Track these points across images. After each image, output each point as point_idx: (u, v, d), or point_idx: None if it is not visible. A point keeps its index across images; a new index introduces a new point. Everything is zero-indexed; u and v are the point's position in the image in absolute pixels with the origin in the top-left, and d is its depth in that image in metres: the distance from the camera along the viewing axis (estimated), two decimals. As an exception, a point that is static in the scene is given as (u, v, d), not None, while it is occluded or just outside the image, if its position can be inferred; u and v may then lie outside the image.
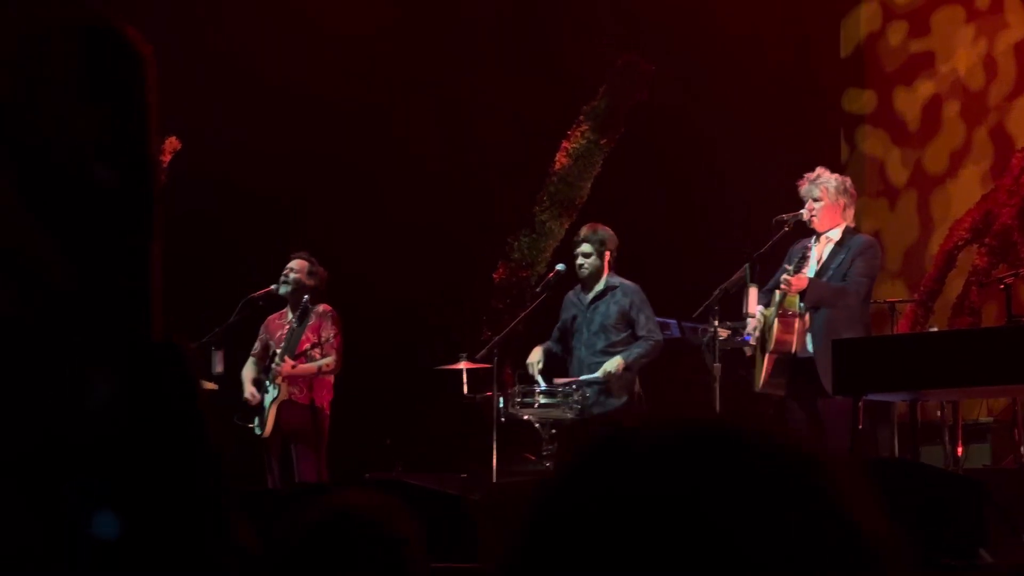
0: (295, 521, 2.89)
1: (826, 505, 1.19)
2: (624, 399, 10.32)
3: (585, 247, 10.52)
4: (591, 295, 10.54)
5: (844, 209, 9.49)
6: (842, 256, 9.35)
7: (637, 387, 10.41)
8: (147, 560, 1.46)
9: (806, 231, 9.63)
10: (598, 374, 10.28)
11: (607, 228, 10.60)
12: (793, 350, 9.21)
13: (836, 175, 9.62)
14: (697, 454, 1.21)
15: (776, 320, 9.23)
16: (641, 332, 10.42)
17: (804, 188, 9.52)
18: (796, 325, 9.21)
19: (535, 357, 10.52)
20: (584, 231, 10.67)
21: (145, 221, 1.50)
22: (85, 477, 1.45)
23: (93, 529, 1.43)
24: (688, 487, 1.18)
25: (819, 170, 9.61)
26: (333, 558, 2.83)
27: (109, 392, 1.46)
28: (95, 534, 1.43)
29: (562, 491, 1.23)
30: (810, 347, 9.22)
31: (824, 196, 9.43)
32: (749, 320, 9.46)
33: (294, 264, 11.05)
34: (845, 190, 9.51)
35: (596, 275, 10.53)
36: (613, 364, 10.28)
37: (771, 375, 9.29)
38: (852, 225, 9.59)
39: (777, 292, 9.35)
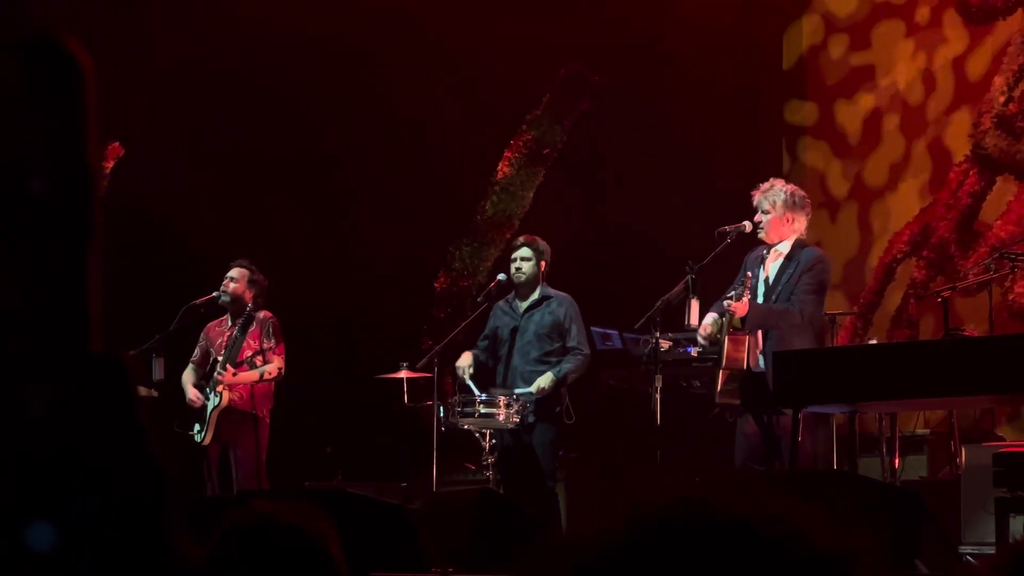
0: (215, 531, 2.92)
1: None
2: (557, 410, 10.39)
3: (524, 251, 10.59)
4: (526, 304, 10.61)
5: (792, 222, 9.47)
6: (791, 271, 9.35)
7: (566, 400, 10.48)
8: (88, 571, 1.46)
9: (750, 242, 9.66)
10: (531, 389, 10.32)
11: (544, 241, 10.69)
12: (744, 366, 9.23)
13: (788, 187, 9.59)
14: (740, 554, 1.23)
15: (727, 338, 9.25)
16: (571, 343, 10.51)
17: (756, 199, 9.53)
18: (747, 342, 9.24)
19: (466, 361, 10.56)
20: (523, 239, 10.73)
21: (83, 231, 1.50)
22: (25, 488, 1.44)
23: (31, 540, 1.43)
24: None
25: (771, 181, 9.61)
26: (253, 562, 2.86)
27: (48, 404, 1.46)
28: (33, 545, 1.43)
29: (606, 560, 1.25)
30: (762, 363, 9.25)
31: (772, 209, 9.44)
32: (704, 326, 9.47)
33: (234, 272, 11.02)
34: (794, 203, 9.46)
35: (532, 283, 10.61)
36: (546, 380, 10.34)
37: (724, 385, 9.31)
38: (803, 236, 9.57)
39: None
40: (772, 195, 9.47)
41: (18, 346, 1.47)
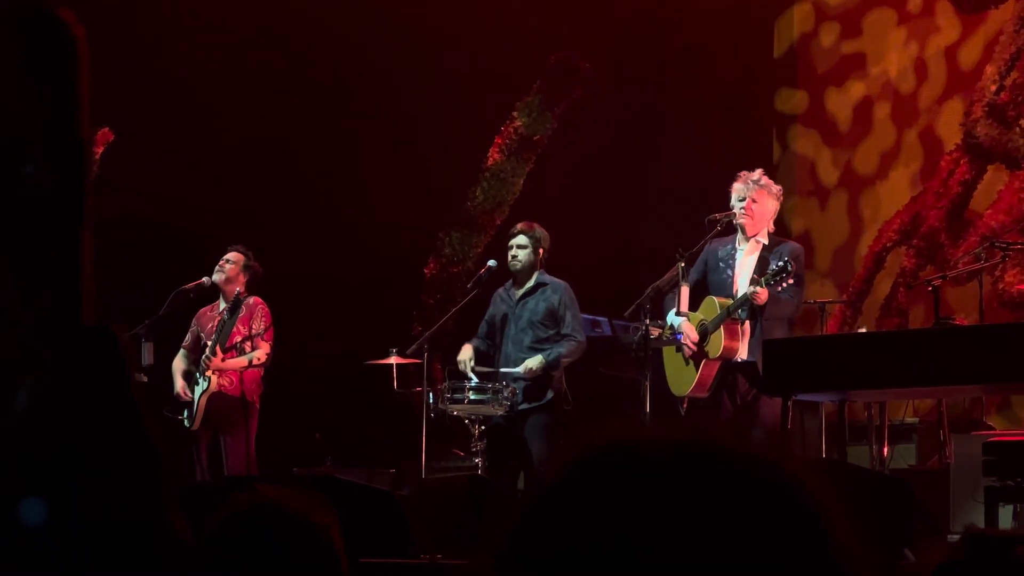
0: (217, 514, 2.91)
1: (814, 534, 1.22)
2: (550, 396, 10.33)
3: (521, 239, 10.52)
4: (521, 291, 10.54)
5: (774, 215, 9.59)
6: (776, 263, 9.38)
7: (563, 385, 10.42)
8: (84, 551, 1.45)
9: (732, 231, 9.66)
10: (519, 369, 10.27)
11: (543, 228, 10.62)
12: (739, 356, 9.27)
13: (771, 181, 9.71)
14: (689, 476, 1.22)
15: (722, 328, 9.26)
16: (566, 330, 10.42)
17: (740, 186, 9.53)
18: (739, 331, 9.27)
19: (467, 355, 10.49)
20: (521, 226, 10.66)
21: (77, 208, 1.49)
22: (17, 468, 1.44)
23: (24, 519, 1.42)
24: (677, 509, 1.19)
25: (759, 172, 9.66)
26: (257, 549, 2.85)
27: (42, 379, 1.45)
28: (27, 524, 1.42)
29: (553, 499, 1.24)
30: (744, 352, 9.27)
31: (762, 199, 9.47)
32: (681, 322, 9.47)
33: (231, 255, 11.02)
34: (780, 199, 9.62)
35: (529, 270, 10.52)
36: (535, 362, 10.28)
37: (713, 378, 9.33)
38: (772, 230, 9.66)
39: (717, 300, 9.36)
40: (764, 185, 9.51)
41: (13, 328, 1.46)
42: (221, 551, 2.84)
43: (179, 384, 10.95)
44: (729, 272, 9.49)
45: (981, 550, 1.98)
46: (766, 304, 9.19)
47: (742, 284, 9.37)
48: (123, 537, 1.46)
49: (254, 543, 2.85)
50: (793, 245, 9.68)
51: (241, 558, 2.84)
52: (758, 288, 9.09)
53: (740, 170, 9.72)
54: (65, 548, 1.44)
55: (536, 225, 10.62)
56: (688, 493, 1.21)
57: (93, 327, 1.49)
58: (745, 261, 9.47)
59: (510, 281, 10.68)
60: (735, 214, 9.52)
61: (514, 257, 10.52)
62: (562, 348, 10.36)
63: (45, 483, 1.43)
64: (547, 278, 10.56)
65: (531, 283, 10.55)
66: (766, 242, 9.48)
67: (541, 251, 10.52)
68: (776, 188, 9.62)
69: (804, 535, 1.22)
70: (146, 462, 1.51)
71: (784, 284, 9.08)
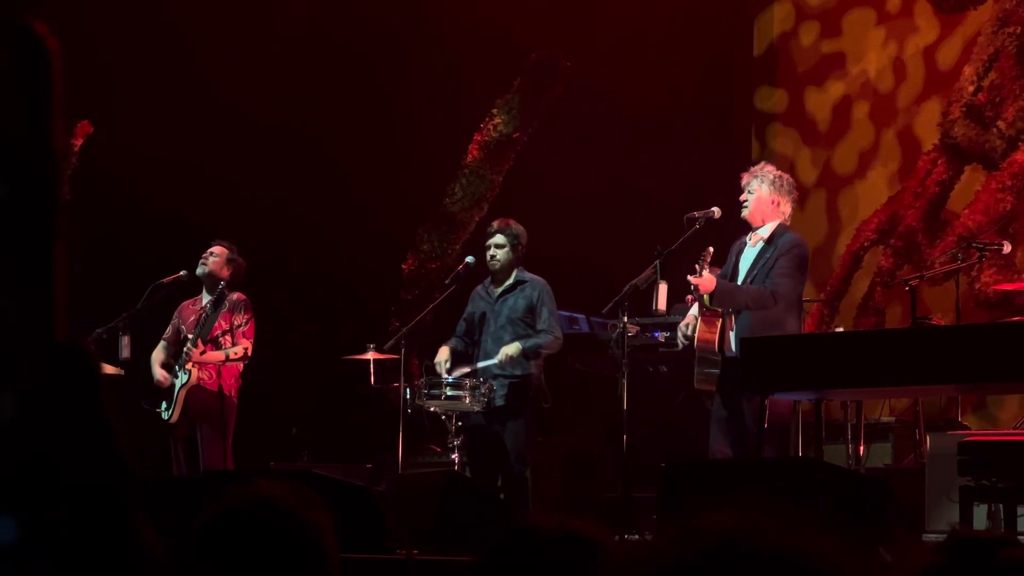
0: (208, 508, 2.89)
1: None
2: (530, 395, 10.32)
3: (499, 238, 10.48)
4: (501, 289, 10.52)
5: (778, 205, 9.41)
6: (768, 255, 9.30)
7: (542, 383, 10.39)
8: (54, 566, 1.45)
9: (719, 228, 9.65)
10: (495, 358, 10.24)
11: (519, 224, 10.58)
12: (716, 348, 9.17)
13: (776, 171, 9.58)
14: None
15: (699, 319, 9.22)
16: (542, 326, 10.38)
17: (744, 181, 9.50)
18: (719, 323, 9.20)
19: (442, 357, 10.45)
20: (497, 224, 10.62)
21: (50, 222, 1.48)
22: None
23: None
24: None
25: (761, 164, 9.64)
26: (249, 545, 2.84)
27: (14, 396, 1.44)
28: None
29: None
30: (727, 346, 9.22)
31: (758, 190, 9.41)
32: (689, 316, 9.46)
33: (215, 249, 11.02)
34: (781, 186, 9.42)
35: (507, 268, 10.50)
36: (512, 348, 10.25)
37: (696, 370, 9.28)
38: (787, 223, 9.52)
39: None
40: (760, 176, 9.45)
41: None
42: (210, 545, 2.83)
43: (159, 373, 10.93)
44: (728, 268, 9.47)
45: (965, 552, 1.98)
46: (731, 292, 9.17)
47: (741, 276, 9.36)
48: (92, 552, 1.46)
49: (244, 538, 2.84)
50: (791, 236, 9.49)
51: (231, 553, 2.83)
52: (690, 277, 9.09)
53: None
54: (35, 564, 1.43)
55: (512, 222, 10.58)
56: None
57: (66, 344, 1.48)
58: (748, 254, 9.44)
59: (488, 279, 10.65)
60: (714, 212, 9.51)
61: (492, 257, 10.48)
62: (540, 339, 10.32)
63: (16, 499, 1.42)
64: (526, 275, 10.54)
65: (510, 281, 10.52)
66: (768, 235, 9.39)
67: (519, 248, 10.50)
68: (773, 176, 9.45)
69: None
70: (117, 480, 1.50)
71: (705, 268, 9.08)
